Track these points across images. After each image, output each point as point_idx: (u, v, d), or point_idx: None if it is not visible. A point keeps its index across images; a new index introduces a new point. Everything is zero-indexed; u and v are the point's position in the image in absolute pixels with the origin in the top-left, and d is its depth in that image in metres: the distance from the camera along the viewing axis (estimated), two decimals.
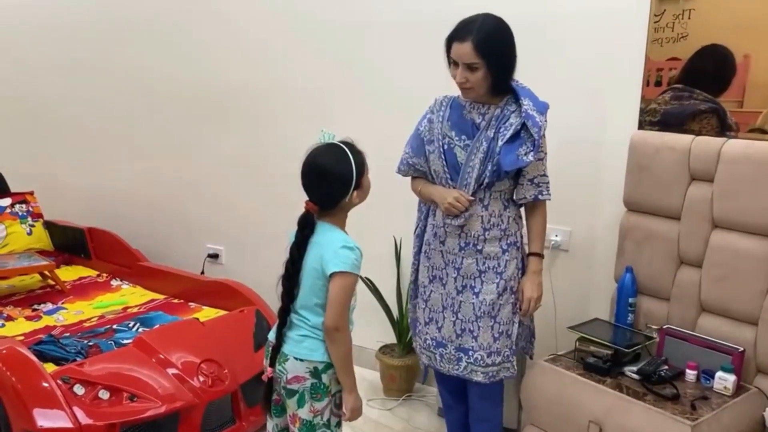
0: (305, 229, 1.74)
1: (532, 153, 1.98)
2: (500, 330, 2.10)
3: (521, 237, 2.17)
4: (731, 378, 2.01)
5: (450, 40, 1.99)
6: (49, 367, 2.31)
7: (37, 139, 4.36)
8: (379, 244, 3.08)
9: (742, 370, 2.06)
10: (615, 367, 2.13)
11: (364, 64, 3.09)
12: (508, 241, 2.11)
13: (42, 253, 3.59)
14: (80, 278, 3.55)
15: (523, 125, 1.99)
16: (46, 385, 2.16)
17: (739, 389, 2.03)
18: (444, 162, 2.08)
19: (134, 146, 3.98)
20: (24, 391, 2.14)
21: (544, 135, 2.06)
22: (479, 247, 2.09)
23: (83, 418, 2.11)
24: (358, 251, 1.74)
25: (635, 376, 2.09)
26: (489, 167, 2.02)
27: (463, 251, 2.11)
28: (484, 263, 2.10)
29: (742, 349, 2.05)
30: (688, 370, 2.10)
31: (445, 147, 2.09)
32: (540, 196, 2.11)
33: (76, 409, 2.13)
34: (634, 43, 2.42)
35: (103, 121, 4.07)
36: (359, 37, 3.09)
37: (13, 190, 3.79)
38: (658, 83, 2.39)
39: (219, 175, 3.67)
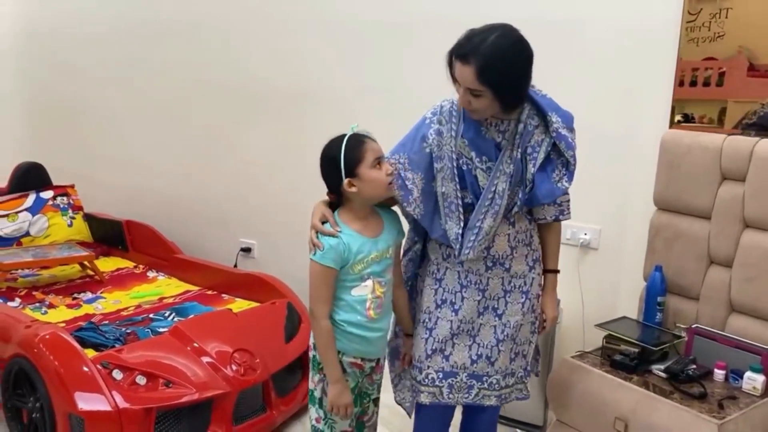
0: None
1: (566, 178, 1.81)
2: (516, 351, 1.95)
3: (540, 251, 1.99)
4: (760, 378, 2.00)
5: (451, 56, 1.71)
6: (89, 353, 2.40)
7: (79, 136, 4.50)
8: None
9: None
10: (642, 365, 2.13)
11: (395, 65, 3.13)
12: (534, 257, 1.93)
13: (82, 244, 3.71)
14: (118, 269, 3.66)
15: (553, 145, 1.80)
16: (86, 369, 2.25)
17: None
18: (457, 185, 1.79)
19: (171, 143, 4.08)
20: (66, 375, 2.23)
21: None
22: (507, 266, 1.88)
23: (121, 402, 2.19)
24: (328, 244, 1.73)
25: (662, 374, 2.09)
26: (520, 195, 1.81)
27: (489, 271, 1.87)
28: (510, 282, 1.89)
29: None
30: (716, 370, 2.10)
31: (464, 168, 1.80)
32: (561, 217, 1.90)
33: (114, 393, 2.21)
34: (667, 42, 2.42)
35: (141, 119, 4.19)
36: (390, 37, 3.13)
37: (55, 183, 3.91)
38: (693, 83, 2.36)
39: (252, 171, 3.74)
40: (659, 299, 2.33)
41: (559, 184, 1.81)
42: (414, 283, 2.02)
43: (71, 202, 3.89)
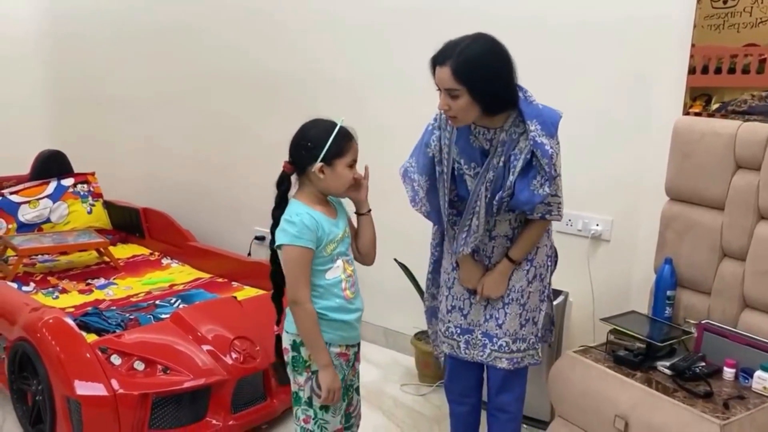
0: (281, 186, 1.80)
1: (547, 185, 1.84)
2: (527, 317, 2.04)
3: (551, 225, 2.07)
4: None
5: (433, 63, 1.81)
6: (91, 338, 2.42)
7: (100, 124, 4.56)
8: (416, 228, 3.06)
9: None
10: (647, 361, 2.05)
11: (406, 54, 3.06)
12: None
13: (100, 231, 3.75)
14: (134, 256, 3.70)
15: (534, 152, 1.84)
16: (85, 354, 2.26)
17: None
18: (446, 189, 1.95)
19: (188, 133, 4.10)
20: (66, 360, 2.25)
21: (558, 157, 1.89)
22: (510, 236, 2.02)
23: (118, 387, 2.20)
24: (302, 224, 1.71)
25: (667, 371, 2.00)
26: (499, 201, 1.90)
27: (493, 241, 2.03)
28: None
29: None
30: (726, 368, 2.00)
31: (456, 173, 1.95)
32: (548, 216, 1.95)
33: (111, 378, 2.22)
34: (680, 28, 2.31)
35: (160, 108, 4.21)
36: (401, 25, 3.07)
37: (76, 171, 3.97)
38: (732, 71, 2.23)
39: (267, 161, 3.69)
40: (669, 293, 2.23)
41: (540, 191, 1.86)
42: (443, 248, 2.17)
43: (91, 189, 3.94)
